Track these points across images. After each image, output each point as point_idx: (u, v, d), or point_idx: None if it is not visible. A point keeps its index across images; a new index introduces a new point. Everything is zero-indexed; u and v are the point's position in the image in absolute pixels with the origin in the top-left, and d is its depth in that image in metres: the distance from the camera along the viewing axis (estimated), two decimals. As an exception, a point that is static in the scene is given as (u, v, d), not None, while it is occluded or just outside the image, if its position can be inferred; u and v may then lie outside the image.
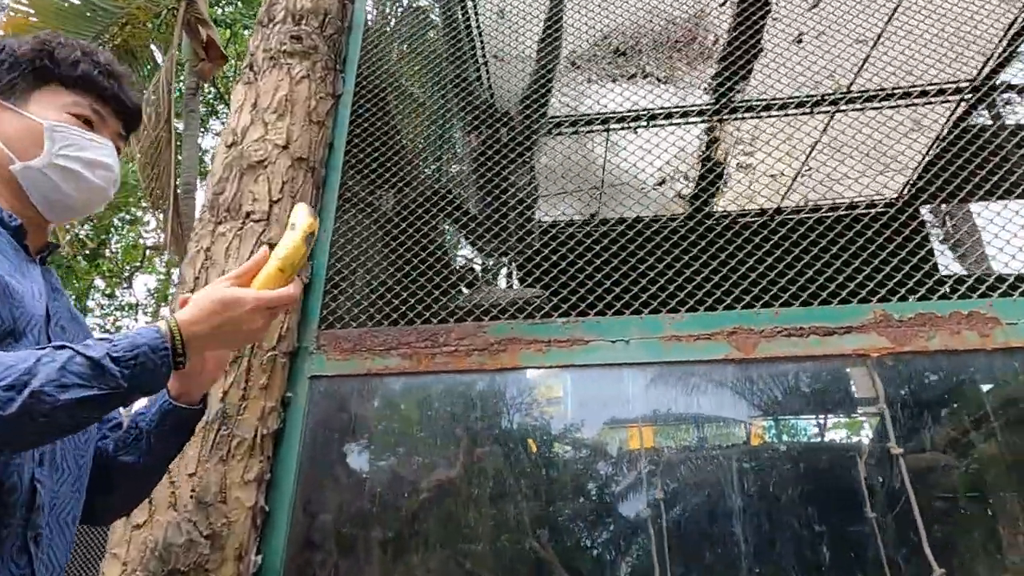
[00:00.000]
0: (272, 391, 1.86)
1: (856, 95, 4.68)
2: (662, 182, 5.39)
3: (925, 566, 1.88)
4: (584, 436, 3.02)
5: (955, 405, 3.21)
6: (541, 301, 2.61)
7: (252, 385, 1.82)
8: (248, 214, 2.04)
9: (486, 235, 2.82)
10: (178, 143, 4.87)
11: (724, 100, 4.78)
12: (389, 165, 2.47)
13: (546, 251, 2.33)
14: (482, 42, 4.51)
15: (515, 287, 4.48)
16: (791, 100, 4.63)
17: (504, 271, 4.92)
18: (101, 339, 1.02)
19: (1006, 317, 1.66)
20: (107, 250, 13.26)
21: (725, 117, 5.02)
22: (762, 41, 4.14)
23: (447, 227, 2.40)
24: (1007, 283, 1.77)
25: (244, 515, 1.69)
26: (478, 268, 3.32)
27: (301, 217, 1.22)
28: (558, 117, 4.74)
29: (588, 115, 4.83)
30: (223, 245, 1.99)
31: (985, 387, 3.15)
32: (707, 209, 5.36)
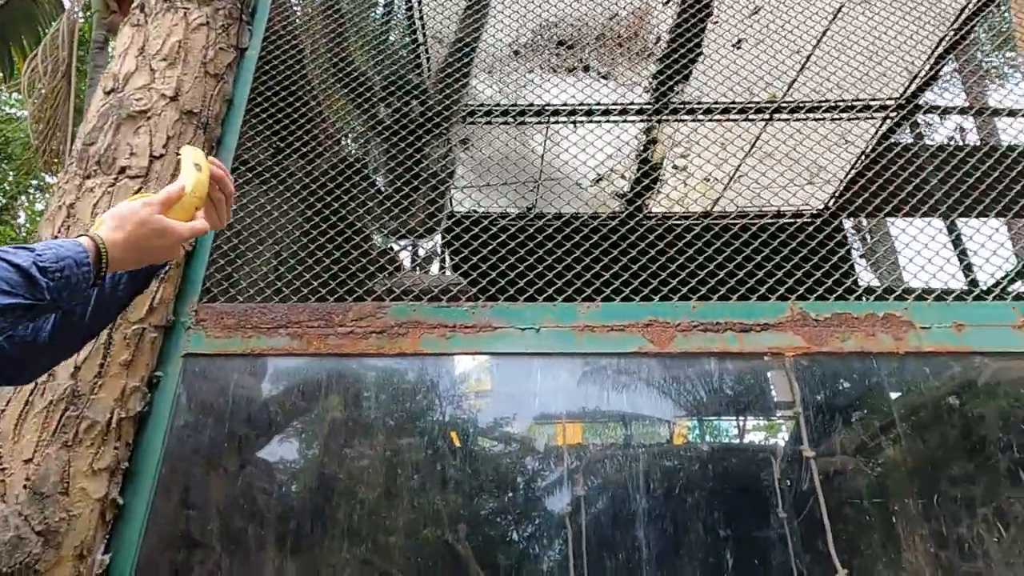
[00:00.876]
0: (136, 369, 1.64)
1: (789, 105, 4.75)
2: (598, 180, 5.34)
3: (830, 567, 1.84)
4: (488, 429, 2.90)
5: (866, 409, 3.26)
6: (459, 290, 2.46)
7: (111, 361, 1.60)
8: (123, 169, 1.80)
9: (399, 216, 2.65)
10: (81, 100, 4.46)
11: (663, 100, 4.75)
12: (297, 131, 2.27)
13: (465, 238, 2.19)
14: (423, 24, 4.33)
15: (433, 273, 4.32)
16: (728, 106, 4.65)
17: (419, 256, 4.74)
18: (20, 247, 0.97)
19: (920, 321, 1.63)
20: (10, 217, 12.32)
21: (664, 118, 5.00)
22: (702, 44, 4.12)
23: (356, 205, 2.22)
24: (914, 294, 1.74)
25: (90, 509, 1.47)
26: (392, 251, 3.15)
27: (202, 159, 1.20)
28: (490, 105, 4.61)
29: (525, 105, 4.72)
30: (90, 202, 1.75)
31: (896, 391, 3.20)
32: (639, 205, 5.34)
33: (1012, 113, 4.55)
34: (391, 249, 3.13)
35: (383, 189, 3.00)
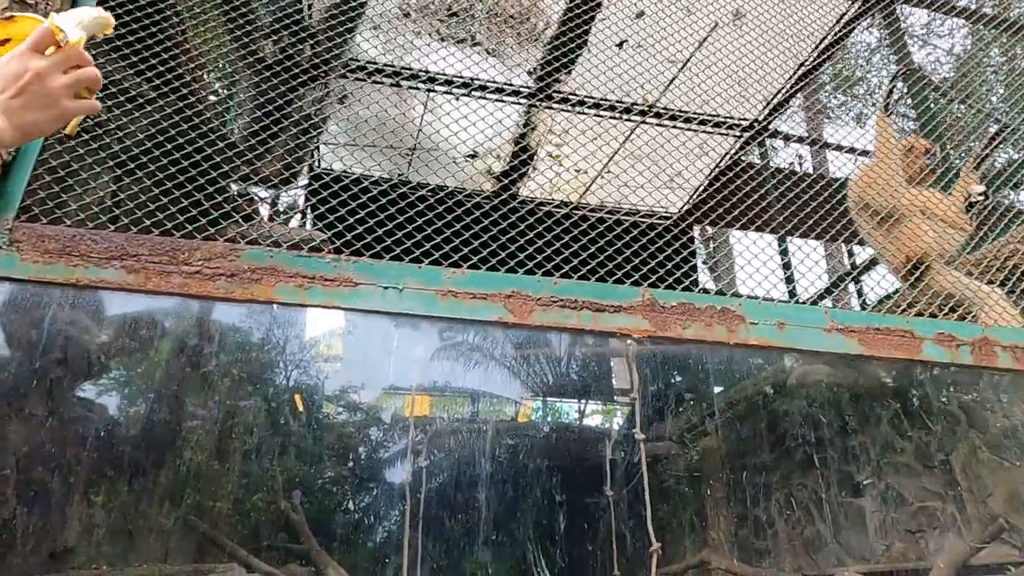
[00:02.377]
0: (-73, 287, 1.41)
1: (660, 111, 5.02)
2: (473, 155, 5.34)
3: (647, 541, 1.99)
4: (354, 399, 2.85)
5: (693, 400, 3.57)
6: (321, 243, 2.37)
7: None
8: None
9: (254, 162, 2.49)
10: None
11: (545, 87, 4.84)
12: (156, 49, 2.05)
13: (327, 197, 2.10)
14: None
15: (295, 226, 4.12)
16: (604, 102, 4.84)
17: (279, 208, 4.51)
18: None
19: (751, 317, 1.80)
20: None
21: (543, 104, 5.09)
22: (589, 37, 4.24)
23: (212, 141, 2.05)
24: (745, 296, 1.93)
25: None
26: (249, 198, 2.96)
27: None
28: (373, 64, 4.45)
29: (407, 69, 4.60)
30: None
31: (721, 384, 3.54)
32: (511, 188, 5.43)
33: (840, 148, 5.15)
34: (249, 196, 2.94)
35: (240, 130, 2.81)
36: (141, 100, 2.15)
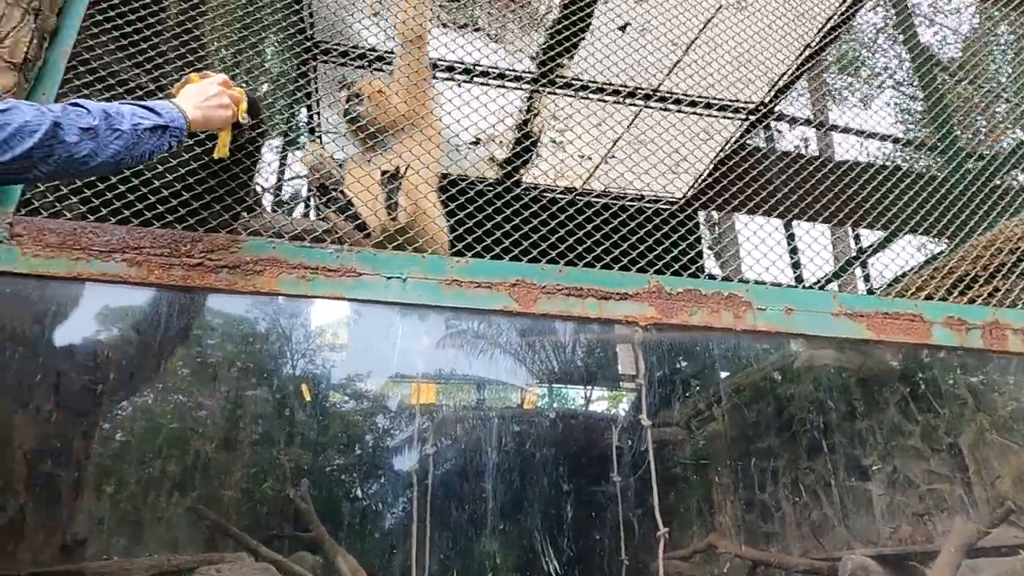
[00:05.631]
0: (-72, 283, 1.40)
1: (664, 95, 4.97)
2: (476, 142, 5.31)
3: (654, 526, 1.98)
4: (360, 388, 2.84)
5: (700, 384, 3.56)
6: (322, 233, 2.35)
7: None
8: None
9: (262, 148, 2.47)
10: None
11: (548, 73, 4.79)
12: (152, 38, 2.03)
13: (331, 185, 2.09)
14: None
15: (301, 217, 4.10)
16: (608, 87, 4.79)
17: (293, 201, 4.49)
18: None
19: (758, 303, 1.78)
20: None
21: (545, 89, 5.04)
22: (591, 21, 4.19)
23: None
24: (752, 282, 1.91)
25: None
26: (260, 190, 2.94)
27: None
28: (375, 50, 4.41)
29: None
30: None
31: (728, 370, 3.52)
32: (515, 175, 5.39)
33: (847, 130, 5.10)
34: (252, 185, 2.92)
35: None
36: (141, 92, 2.13)
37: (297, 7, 4.11)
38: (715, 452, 3.63)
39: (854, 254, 5.02)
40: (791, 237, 5.01)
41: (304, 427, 2.61)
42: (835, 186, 2.53)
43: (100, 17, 1.91)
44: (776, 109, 5.31)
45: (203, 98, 1.47)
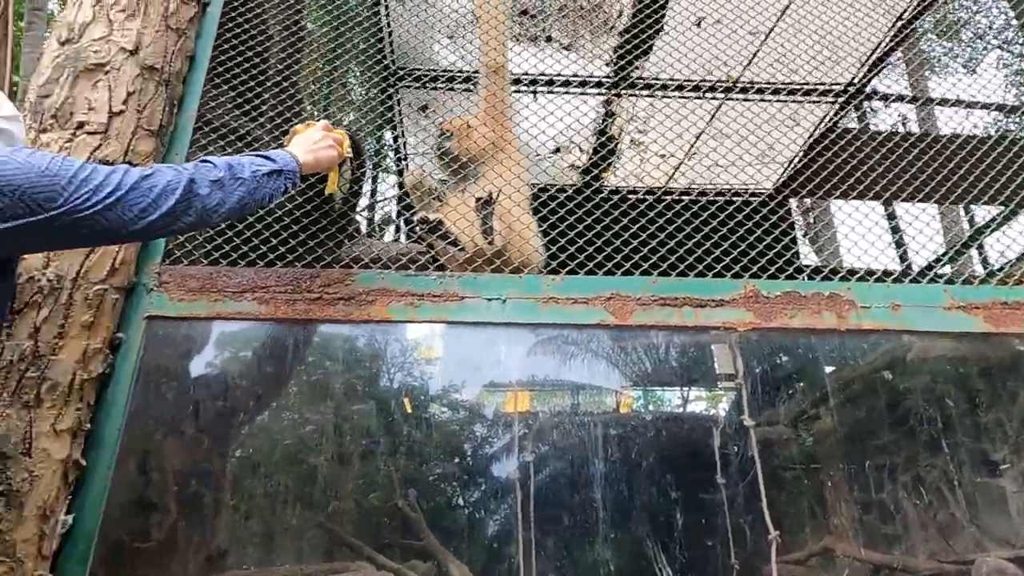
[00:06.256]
0: (98, 330, 1.61)
1: (745, 85, 4.85)
2: (557, 150, 5.37)
3: (764, 529, 1.97)
4: (457, 398, 2.96)
5: (804, 382, 3.45)
6: (416, 253, 2.48)
7: (72, 322, 1.57)
8: (81, 124, 1.74)
9: (363, 181, 2.64)
10: (18, 46, 4.20)
11: (623, 75, 4.79)
12: (261, 92, 2.22)
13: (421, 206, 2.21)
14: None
15: (397, 241, 4.30)
16: (686, 83, 4.72)
17: (385, 223, 4.71)
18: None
19: (861, 301, 1.74)
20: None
21: (623, 92, 5.04)
22: (664, 19, 4.16)
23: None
24: (857, 276, 1.86)
25: (52, 470, 1.46)
26: (357, 218, 3.13)
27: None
28: (452, 71, 4.56)
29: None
30: (46, 157, 1.68)
31: (833, 366, 3.40)
32: (598, 179, 5.41)
33: (945, 102, 4.78)
34: (352, 214, 3.11)
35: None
36: (250, 139, 2.33)
37: (378, 37, 4.33)
38: (825, 451, 3.50)
39: (969, 235, 4.69)
40: (895, 221, 4.74)
41: (409, 439, 2.74)
42: (940, 162, 2.41)
43: (218, 80, 2.12)
44: (868, 88, 5.06)
45: (311, 143, 1.63)
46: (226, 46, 2.17)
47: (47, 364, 1.52)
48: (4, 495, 1.40)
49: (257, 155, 1.50)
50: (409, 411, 2.73)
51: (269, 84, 2.28)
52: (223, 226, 1.84)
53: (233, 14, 2.25)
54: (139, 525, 1.87)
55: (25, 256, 1.53)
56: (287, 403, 2.31)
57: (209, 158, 1.42)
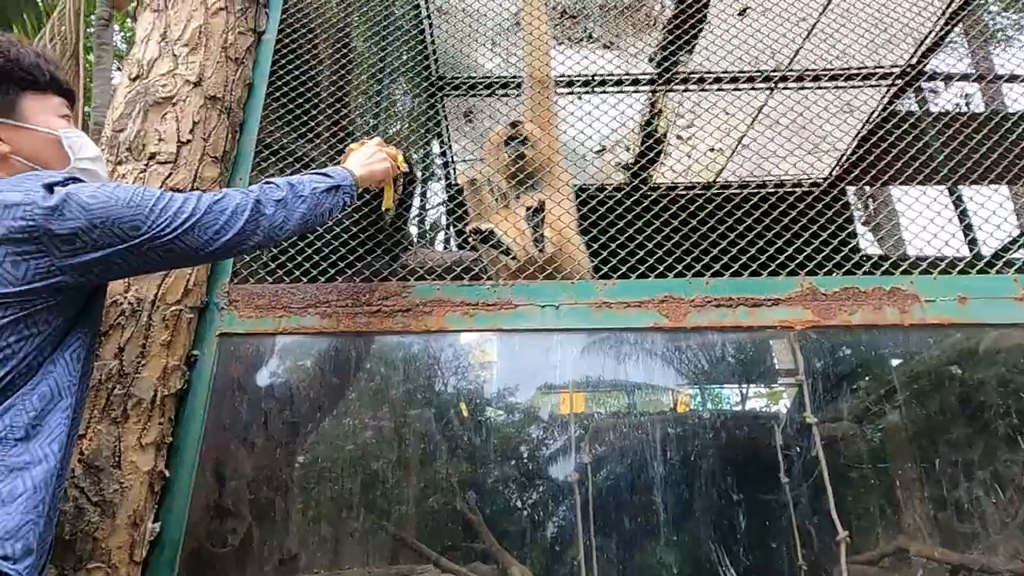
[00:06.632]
0: (175, 348, 1.71)
1: (793, 73, 4.73)
2: (602, 149, 5.35)
3: (832, 530, 1.93)
4: (514, 401, 3.00)
5: (868, 379, 3.35)
6: (471, 262, 2.53)
7: (152, 341, 1.67)
8: (153, 155, 1.85)
9: (414, 195, 2.70)
10: (88, 80, 4.46)
11: (667, 70, 4.75)
12: (315, 113, 2.31)
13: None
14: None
15: (445, 249, 4.37)
16: (732, 74, 4.65)
17: (437, 232, 4.79)
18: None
19: (925, 295, 1.70)
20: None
21: (667, 88, 4.99)
22: (707, 10, 4.11)
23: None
24: (924, 265, 1.80)
25: (140, 481, 1.56)
26: (409, 229, 3.21)
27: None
28: (503, 78, 4.61)
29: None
30: (123, 188, 1.80)
31: (898, 361, 3.28)
32: (644, 178, 5.37)
33: (1014, 78, 4.55)
34: (404, 226, 3.19)
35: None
36: (307, 160, 2.42)
37: (421, 50, 4.41)
38: (894, 448, 3.39)
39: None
40: (959, 201, 4.54)
41: (468, 443, 2.78)
42: (1012, 140, 2.30)
43: (275, 104, 2.22)
44: (927, 68, 4.86)
45: (365, 158, 1.71)
46: (281, 71, 2.27)
47: (131, 382, 1.62)
48: (99, 505, 1.50)
49: (316, 173, 1.57)
50: (466, 416, 2.78)
51: (322, 105, 2.36)
52: (285, 244, 1.93)
53: (286, 40, 2.35)
54: (218, 531, 1.97)
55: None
56: (350, 411, 2.39)
57: (272, 179, 1.50)
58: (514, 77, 4.62)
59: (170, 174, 1.85)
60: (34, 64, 1.35)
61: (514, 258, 2.09)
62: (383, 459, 2.58)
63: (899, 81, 4.86)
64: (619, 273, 1.84)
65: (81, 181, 1.28)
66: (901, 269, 1.78)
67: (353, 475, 2.56)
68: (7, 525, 1.06)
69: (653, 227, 2.01)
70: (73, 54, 3.86)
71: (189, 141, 1.91)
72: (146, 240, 1.23)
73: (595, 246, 2.23)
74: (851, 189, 6.01)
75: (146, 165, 1.85)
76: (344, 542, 2.63)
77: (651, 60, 4.88)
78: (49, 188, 1.19)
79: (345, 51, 2.75)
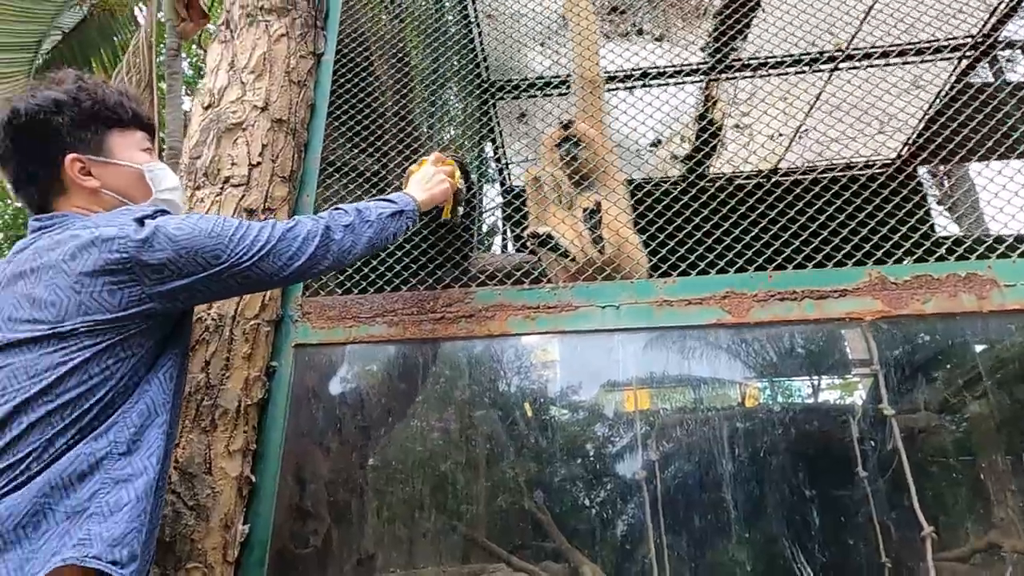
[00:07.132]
0: (255, 360, 1.82)
1: (855, 52, 4.56)
2: (656, 143, 5.29)
3: (915, 525, 1.87)
4: (578, 400, 3.01)
5: (948, 367, 3.20)
6: (531, 266, 2.56)
7: (235, 354, 1.78)
8: (227, 179, 1.97)
9: (472, 200, 2.76)
10: (162, 107, 4.74)
11: (721, 58, 4.66)
12: (374, 128, 2.40)
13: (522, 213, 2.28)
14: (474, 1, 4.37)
15: (503, 253, 4.42)
16: (789, 58, 4.51)
17: (495, 237, 4.85)
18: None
19: (1004, 279, 1.63)
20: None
21: (722, 76, 4.90)
22: (760, -4, 4.01)
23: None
24: (1005, 244, 1.73)
25: (230, 486, 1.67)
26: (468, 235, 3.27)
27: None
28: (547, 77, 4.62)
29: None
30: (202, 211, 1.93)
31: (979, 348, 3.13)
32: (702, 170, 5.28)
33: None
34: (466, 235, 3.26)
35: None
36: (368, 174, 2.51)
37: (473, 57, 4.48)
38: (980, 439, 3.23)
39: None
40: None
41: (534, 443, 2.82)
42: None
43: (336, 123, 2.31)
44: (1002, 36, 4.59)
45: (425, 181, 1.77)
46: (341, 90, 2.36)
47: (217, 393, 1.73)
48: (194, 509, 1.61)
49: (381, 199, 1.65)
50: (531, 416, 2.81)
51: (381, 119, 2.44)
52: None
53: (344, 60, 2.44)
54: (300, 532, 2.07)
55: None
56: (418, 415, 2.47)
57: (340, 206, 1.58)
58: (567, 76, 4.63)
59: (243, 196, 1.96)
60: (118, 103, 1.46)
61: (573, 260, 2.11)
62: (452, 460, 2.64)
63: (972, 52, 4.61)
64: (679, 270, 1.84)
65: (168, 213, 1.38)
66: (977, 254, 1.71)
67: (423, 477, 2.63)
68: (114, 533, 1.15)
69: (712, 222, 2.00)
70: (148, 84, 4.11)
71: (259, 163, 2.02)
72: (226, 268, 1.32)
73: (653, 244, 2.22)
74: (923, 169, 5.74)
75: (221, 188, 1.97)
76: (417, 542, 2.71)
77: (703, 50, 4.80)
78: (140, 222, 1.29)
79: (400, 64, 2.83)
